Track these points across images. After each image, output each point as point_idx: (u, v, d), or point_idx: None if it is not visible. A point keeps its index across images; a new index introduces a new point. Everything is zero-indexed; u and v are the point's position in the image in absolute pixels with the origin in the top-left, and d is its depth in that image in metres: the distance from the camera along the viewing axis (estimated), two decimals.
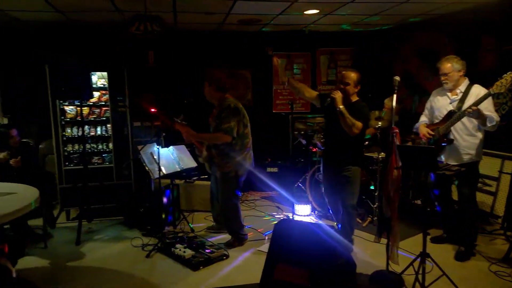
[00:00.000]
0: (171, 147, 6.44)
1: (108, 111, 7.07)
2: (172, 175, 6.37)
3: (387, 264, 4.46)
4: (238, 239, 5.76)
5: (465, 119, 4.85)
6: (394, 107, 4.37)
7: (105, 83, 7.07)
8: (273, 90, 9.41)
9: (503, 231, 5.92)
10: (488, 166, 6.37)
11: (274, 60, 9.33)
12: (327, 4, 6.38)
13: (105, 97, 7.12)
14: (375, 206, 6.47)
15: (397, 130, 4.39)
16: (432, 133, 5.10)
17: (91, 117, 7.13)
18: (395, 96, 4.36)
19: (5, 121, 7.83)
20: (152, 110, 6.50)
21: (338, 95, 4.93)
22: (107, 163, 7.17)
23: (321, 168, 5.76)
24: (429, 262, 4.28)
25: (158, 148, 5.79)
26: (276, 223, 4.22)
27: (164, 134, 6.53)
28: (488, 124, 4.70)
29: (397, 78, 4.39)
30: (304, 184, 7.23)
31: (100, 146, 7.20)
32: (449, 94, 5.10)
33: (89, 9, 6.35)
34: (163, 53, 8.62)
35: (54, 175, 6.93)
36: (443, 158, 5.08)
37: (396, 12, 6.85)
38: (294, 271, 3.79)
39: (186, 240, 5.67)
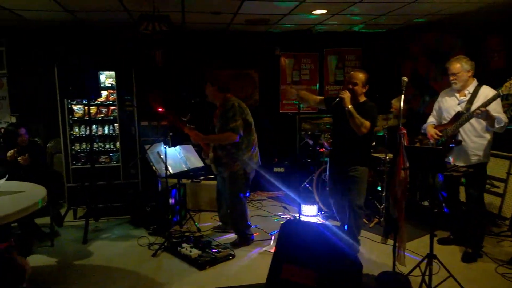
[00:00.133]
0: (178, 147, 6.45)
1: (116, 111, 7.10)
2: (179, 175, 6.38)
3: (394, 265, 4.44)
4: (245, 239, 5.76)
5: (473, 120, 4.83)
6: (401, 108, 4.35)
7: (113, 83, 7.10)
8: (280, 90, 9.40)
9: (511, 233, 5.89)
10: (496, 167, 6.34)
11: (282, 60, 9.32)
12: (335, 4, 6.37)
13: (112, 96, 7.15)
14: (382, 206, 6.46)
15: (405, 131, 4.37)
16: (440, 134, 5.08)
17: (99, 116, 7.17)
18: (402, 96, 4.34)
19: (14, 120, 7.87)
20: (160, 109, 6.51)
21: (346, 95, 4.94)
22: (115, 162, 7.20)
23: (327, 168, 5.76)
24: (436, 263, 4.26)
25: (165, 148, 5.80)
26: (282, 223, 4.21)
27: (171, 133, 6.54)
28: (497, 126, 4.67)
29: (405, 78, 4.36)
30: (311, 185, 7.23)
31: (107, 145, 7.23)
32: (457, 95, 5.08)
33: (97, 9, 6.37)
34: (170, 53, 8.63)
35: (62, 174, 6.96)
36: (451, 159, 5.06)
37: (404, 12, 6.82)
38: (300, 271, 3.79)
39: (192, 239, 5.67)
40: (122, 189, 7.04)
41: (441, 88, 5.64)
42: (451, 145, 4.96)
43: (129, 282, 4.78)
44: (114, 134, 7.18)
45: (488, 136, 4.92)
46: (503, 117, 4.67)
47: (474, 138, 4.92)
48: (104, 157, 7.22)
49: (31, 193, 4.14)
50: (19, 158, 5.77)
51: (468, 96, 4.94)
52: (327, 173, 5.81)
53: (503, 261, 5.08)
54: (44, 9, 6.30)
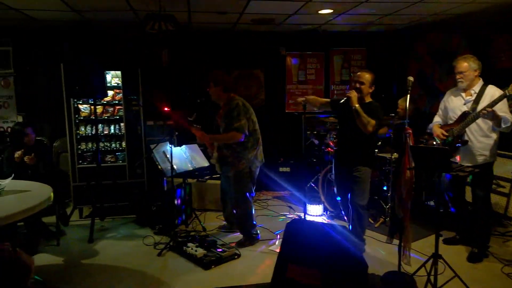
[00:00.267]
0: (183, 146, 6.45)
1: (122, 110, 7.11)
2: (184, 174, 6.40)
3: (399, 265, 4.43)
4: (250, 239, 5.76)
5: (479, 120, 4.81)
6: (407, 108, 4.35)
7: (119, 82, 7.11)
8: (286, 90, 9.40)
9: None
10: (502, 167, 6.32)
11: (287, 60, 9.32)
12: (341, 4, 6.36)
13: (118, 96, 7.16)
14: (387, 206, 6.45)
15: (410, 131, 4.37)
16: (446, 134, 5.07)
17: (105, 116, 7.18)
18: (408, 96, 4.34)
19: (20, 119, 7.90)
20: (166, 109, 6.52)
21: (354, 95, 5.00)
22: (120, 162, 7.21)
23: (333, 168, 5.78)
24: (441, 263, 4.25)
25: (170, 147, 5.81)
26: (288, 223, 4.21)
27: (177, 133, 6.55)
28: (503, 126, 4.66)
29: (411, 78, 4.36)
30: (316, 184, 7.22)
31: (113, 145, 7.25)
32: (463, 94, 5.06)
33: (104, 9, 6.39)
34: (176, 53, 8.64)
35: (68, 173, 6.98)
36: (457, 159, 5.05)
37: (409, 12, 6.81)
38: (305, 271, 3.79)
39: (198, 239, 5.68)
40: (128, 189, 7.05)
41: (446, 88, 5.64)
42: (457, 145, 4.95)
43: (135, 281, 4.79)
44: (120, 133, 7.20)
45: (494, 136, 4.91)
46: (510, 117, 4.65)
47: (481, 138, 4.91)
48: (110, 156, 7.23)
49: (37, 192, 4.16)
50: (25, 158, 5.79)
51: (474, 96, 4.93)
52: (333, 172, 5.83)
53: (509, 261, 5.06)
54: (51, 9, 6.32)
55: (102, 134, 7.14)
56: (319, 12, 6.88)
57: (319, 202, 6.91)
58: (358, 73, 5.33)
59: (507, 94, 4.45)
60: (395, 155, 6.27)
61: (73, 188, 6.93)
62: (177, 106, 7.31)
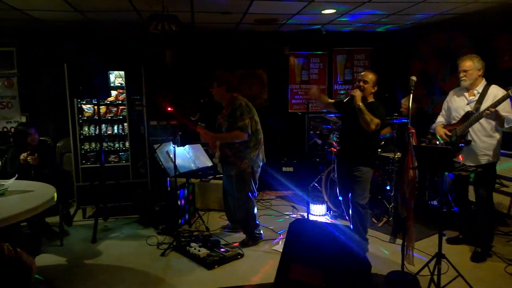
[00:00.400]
0: (187, 146, 6.45)
1: (125, 110, 7.13)
2: (187, 174, 6.39)
3: (402, 264, 4.43)
4: (253, 238, 5.76)
5: (482, 120, 4.81)
6: (410, 107, 4.35)
7: (122, 82, 7.12)
8: (289, 90, 9.40)
9: None
10: (506, 167, 6.30)
11: (291, 60, 9.32)
12: (344, 4, 6.35)
13: (122, 96, 7.18)
14: (391, 206, 6.45)
15: (413, 130, 4.37)
16: (450, 134, 5.06)
17: (108, 116, 7.20)
18: (411, 96, 4.34)
19: (24, 119, 7.92)
20: (169, 109, 6.53)
21: (357, 93, 5.05)
22: (124, 162, 7.23)
23: (335, 168, 5.80)
24: (444, 263, 4.24)
25: (174, 147, 5.81)
26: (291, 223, 4.22)
27: (180, 133, 6.56)
28: (506, 125, 4.66)
29: (414, 78, 4.36)
30: (319, 184, 7.22)
31: (116, 145, 7.27)
32: (466, 94, 5.06)
33: (107, 9, 6.40)
34: (180, 53, 8.66)
35: (71, 173, 7.00)
36: (460, 159, 5.04)
37: (413, 12, 6.80)
38: (308, 271, 3.79)
39: (201, 239, 5.69)
40: (131, 189, 7.07)
41: (450, 88, 5.62)
42: (460, 145, 4.95)
43: (138, 281, 4.80)
44: (123, 133, 7.21)
45: (497, 135, 4.90)
46: None
47: (484, 137, 4.90)
48: (113, 156, 7.25)
49: (41, 192, 4.16)
50: (29, 158, 5.80)
51: (477, 96, 4.93)
52: (335, 172, 5.85)
53: None
54: (55, 9, 6.34)
55: (105, 134, 7.16)
56: (322, 12, 6.88)
57: (322, 202, 6.91)
58: (362, 73, 5.37)
59: (510, 94, 4.45)
60: (398, 154, 6.27)
61: (77, 188, 6.95)
62: (180, 106, 7.32)
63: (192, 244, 5.46)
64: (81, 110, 7.00)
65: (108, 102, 7.19)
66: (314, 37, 9.00)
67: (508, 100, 4.63)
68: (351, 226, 5.39)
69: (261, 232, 5.92)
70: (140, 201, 6.96)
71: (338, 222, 6.59)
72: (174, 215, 6.19)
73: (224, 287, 4.57)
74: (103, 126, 7.08)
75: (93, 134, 7.06)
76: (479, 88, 4.95)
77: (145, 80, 7.07)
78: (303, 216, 6.97)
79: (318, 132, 7.64)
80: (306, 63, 9.38)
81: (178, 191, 6.29)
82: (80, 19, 7.02)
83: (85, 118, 7.03)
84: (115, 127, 7.26)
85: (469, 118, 4.86)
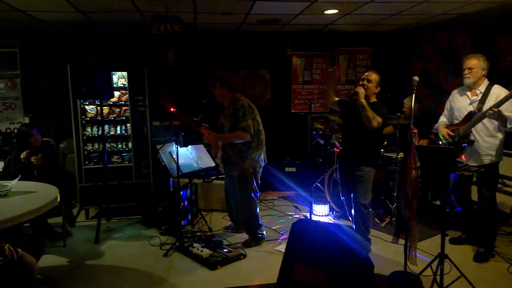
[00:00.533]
0: (189, 147, 6.46)
1: (128, 111, 7.14)
2: (190, 174, 6.40)
3: (405, 265, 4.44)
4: (256, 239, 5.77)
5: (485, 120, 4.81)
6: (412, 107, 4.36)
7: (125, 83, 7.13)
8: (292, 90, 9.40)
9: None
10: (508, 166, 6.29)
11: (293, 60, 9.32)
12: (347, 4, 6.36)
13: (125, 96, 7.19)
14: (393, 206, 6.44)
15: (416, 130, 4.37)
16: (452, 134, 5.06)
17: (111, 117, 7.21)
18: (413, 96, 4.34)
19: (27, 120, 7.94)
20: (172, 109, 6.54)
21: (361, 91, 5.09)
22: (127, 162, 7.23)
23: (337, 168, 5.81)
24: (447, 263, 4.24)
25: (177, 148, 5.82)
26: (293, 223, 4.21)
27: (183, 133, 6.57)
28: (509, 125, 4.64)
29: (416, 78, 4.38)
30: (322, 184, 7.22)
31: (119, 145, 7.27)
32: (468, 94, 5.06)
33: (110, 10, 6.41)
34: (182, 53, 8.66)
35: (74, 174, 7.00)
36: (462, 159, 5.04)
37: (415, 12, 6.80)
38: (311, 271, 3.79)
39: (203, 239, 5.70)
40: (134, 189, 7.08)
41: (452, 88, 5.63)
42: (463, 145, 4.94)
43: (141, 281, 4.81)
44: (126, 134, 7.22)
45: (500, 135, 4.90)
46: None
47: (487, 137, 4.90)
48: (116, 157, 7.25)
49: (44, 193, 4.17)
50: (32, 158, 5.80)
51: (480, 95, 4.93)
52: (337, 172, 5.86)
53: None
54: (57, 10, 6.36)
55: (108, 134, 7.16)
56: (325, 12, 6.88)
57: (325, 202, 6.91)
58: (366, 72, 5.39)
59: None
60: (401, 154, 6.27)
61: (80, 189, 6.96)
62: (183, 106, 7.32)
63: (195, 245, 5.47)
64: (84, 111, 7.01)
65: (111, 103, 7.19)
66: (317, 37, 8.99)
67: (511, 100, 4.62)
68: (354, 226, 5.39)
69: (264, 232, 5.92)
70: (143, 202, 6.97)
71: (341, 222, 6.59)
72: (177, 215, 6.19)
73: (227, 287, 4.58)
74: (106, 126, 7.09)
75: (96, 135, 7.07)
76: (482, 88, 4.95)
77: (148, 80, 7.08)
78: (305, 216, 6.97)
79: (320, 132, 7.64)
80: (309, 63, 9.37)
81: (181, 192, 6.29)
82: (83, 20, 7.03)
83: (88, 118, 7.04)
84: (118, 128, 7.27)
85: (471, 118, 4.85)
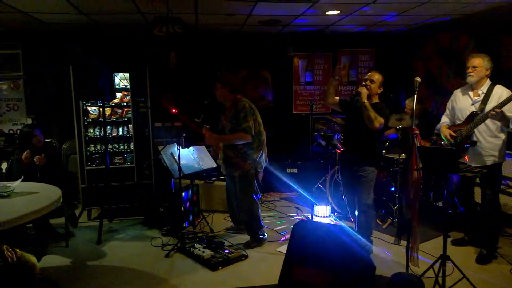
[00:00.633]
0: (191, 148, 6.47)
1: (130, 112, 7.14)
2: (192, 176, 6.41)
3: (407, 266, 4.43)
4: (257, 240, 5.76)
5: (488, 121, 4.80)
6: (414, 108, 4.35)
7: (127, 84, 7.13)
8: (293, 91, 9.40)
9: None
10: (511, 167, 6.28)
11: (295, 61, 9.32)
12: (348, 5, 6.36)
13: (127, 98, 7.20)
14: (395, 207, 6.43)
15: (418, 131, 4.37)
16: (455, 134, 5.06)
17: (113, 118, 7.22)
18: (415, 97, 4.34)
19: (30, 121, 7.96)
20: (173, 110, 6.55)
21: (364, 91, 5.09)
22: (129, 163, 7.24)
23: (339, 168, 5.81)
24: (449, 264, 4.24)
25: (178, 149, 5.82)
26: (295, 224, 4.22)
27: (184, 134, 6.57)
28: (511, 126, 4.65)
29: (418, 79, 4.37)
30: (324, 185, 7.22)
31: (121, 147, 7.28)
32: (471, 93, 5.06)
33: (112, 11, 6.42)
34: (184, 54, 8.67)
35: (76, 175, 7.02)
36: (465, 159, 5.03)
37: (417, 12, 6.80)
38: (312, 272, 3.79)
39: (205, 240, 5.70)
40: (136, 190, 7.08)
41: (453, 88, 5.62)
42: (466, 145, 4.94)
43: (142, 282, 4.81)
44: (128, 135, 7.23)
45: (503, 136, 4.90)
46: None
47: (489, 138, 4.89)
48: (118, 158, 7.27)
49: (46, 194, 4.17)
50: (35, 158, 5.81)
51: (482, 96, 4.92)
52: (339, 173, 5.86)
53: None
54: (60, 12, 6.37)
55: (110, 136, 7.16)
56: (326, 13, 6.88)
57: (326, 203, 6.88)
58: (369, 73, 5.39)
59: None
60: (403, 155, 6.26)
61: (82, 189, 6.97)
62: (184, 107, 7.33)
63: (197, 246, 5.48)
64: (87, 112, 7.02)
65: (113, 104, 7.21)
66: (318, 38, 9.00)
67: None
68: (355, 227, 5.39)
69: (265, 233, 5.92)
70: (145, 203, 6.97)
71: (343, 223, 6.58)
72: (179, 216, 6.20)
73: None
74: (108, 128, 7.09)
75: (98, 136, 7.08)
76: (484, 88, 4.95)
77: (150, 82, 7.09)
78: (307, 217, 6.97)
79: (322, 133, 7.64)
80: (311, 64, 9.37)
81: (183, 193, 6.29)
82: (85, 22, 7.05)
83: (90, 120, 7.05)
84: (120, 129, 7.27)
85: (474, 119, 4.85)
